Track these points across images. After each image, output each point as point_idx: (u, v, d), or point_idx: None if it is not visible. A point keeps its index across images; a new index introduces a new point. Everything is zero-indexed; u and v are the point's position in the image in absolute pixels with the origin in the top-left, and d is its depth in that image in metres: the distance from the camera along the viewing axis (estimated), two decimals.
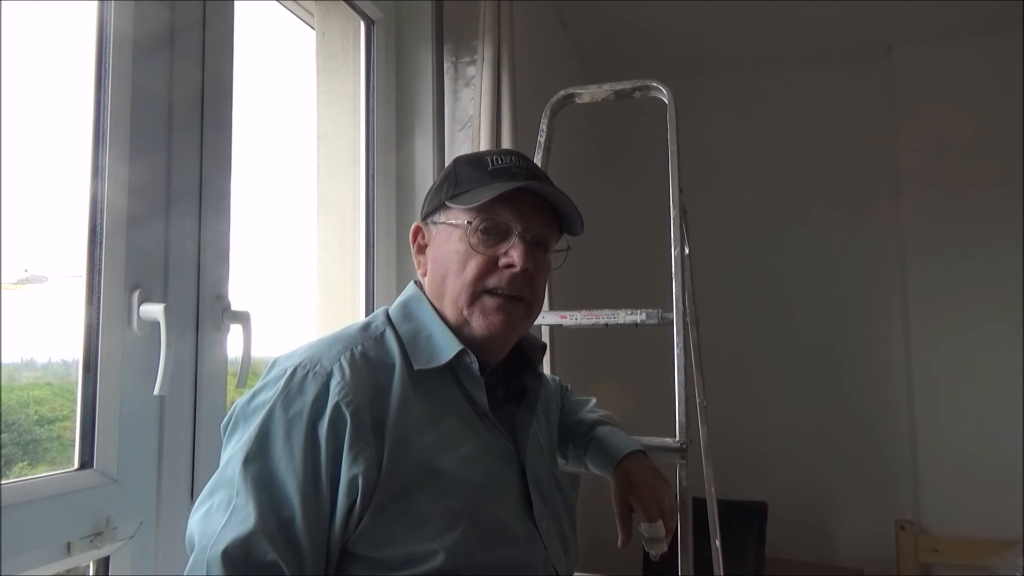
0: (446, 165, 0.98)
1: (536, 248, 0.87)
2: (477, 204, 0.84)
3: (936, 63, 2.94)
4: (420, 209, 0.96)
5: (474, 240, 0.85)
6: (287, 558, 0.71)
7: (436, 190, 0.92)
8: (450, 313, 0.87)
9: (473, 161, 0.91)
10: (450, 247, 0.87)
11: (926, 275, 2.87)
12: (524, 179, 0.86)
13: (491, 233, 0.85)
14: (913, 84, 2.96)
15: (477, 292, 0.85)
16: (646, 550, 1.00)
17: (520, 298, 0.86)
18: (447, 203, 0.88)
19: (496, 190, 0.83)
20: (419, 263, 0.94)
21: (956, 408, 2.78)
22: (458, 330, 0.87)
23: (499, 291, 0.85)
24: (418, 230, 0.94)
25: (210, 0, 1.10)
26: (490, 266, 0.85)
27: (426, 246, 0.93)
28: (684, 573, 1.24)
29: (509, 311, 0.86)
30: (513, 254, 0.84)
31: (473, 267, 0.85)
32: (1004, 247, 2.78)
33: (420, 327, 0.88)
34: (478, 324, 0.86)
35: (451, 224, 0.88)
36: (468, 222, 0.85)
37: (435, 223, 0.91)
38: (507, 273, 0.85)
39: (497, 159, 0.89)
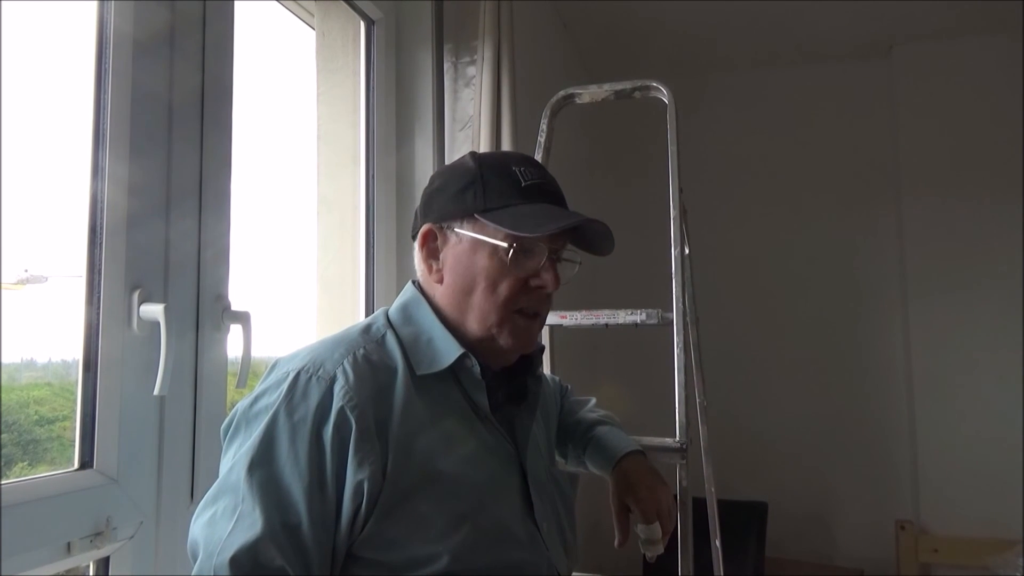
0: (460, 163, 0.91)
1: (556, 263, 0.88)
2: (534, 235, 0.82)
3: (936, 63, 2.94)
4: (423, 206, 0.91)
5: (510, 263, 0.84)
6: (294, 563, 0.71)
7: (458, 195, 0.86)
8: (475, 328, 0.86)
9: (499, 170, 0.87)
10: (478, 262, 0.85)
11: (926, 274, 2.87)
12: (554, 201, 0.87)
13: (523, 253, 0.84)
14: (913, 84, 2.96)
15: (509, 313, 0.86)
16: (642, 552, 0.99)
17: (539, 313, 0.89)
18: (479, 217, 0.84)
19: (544, 220, 0.83)
20: (430, 268, 0.89)
21: (956, 408, 2.78)
22: (478, 343, 0.86)
23: (528, 311, 0.87)
24: (432, 234, 0.88)
25: (210, 0, 1.10)
26: (521, 286, 0.85)
27: (438, 251, 0.88)
28: (684, 573, 1.24)
29: (533, 327, 0.89)
30: (546, 277, 0.85)
31: (506, 288, 0.84)
32: (1004, 247, 2.77)
33: (420, 331, 0.87)
34: (506, 341, 0.86)
35: (479, 239, 0.85)
36: (508, 245, 0.83)
37: (457, 232, 0.86)
38: (536, 294, 0.86)
39: (526, 172, 0.87)
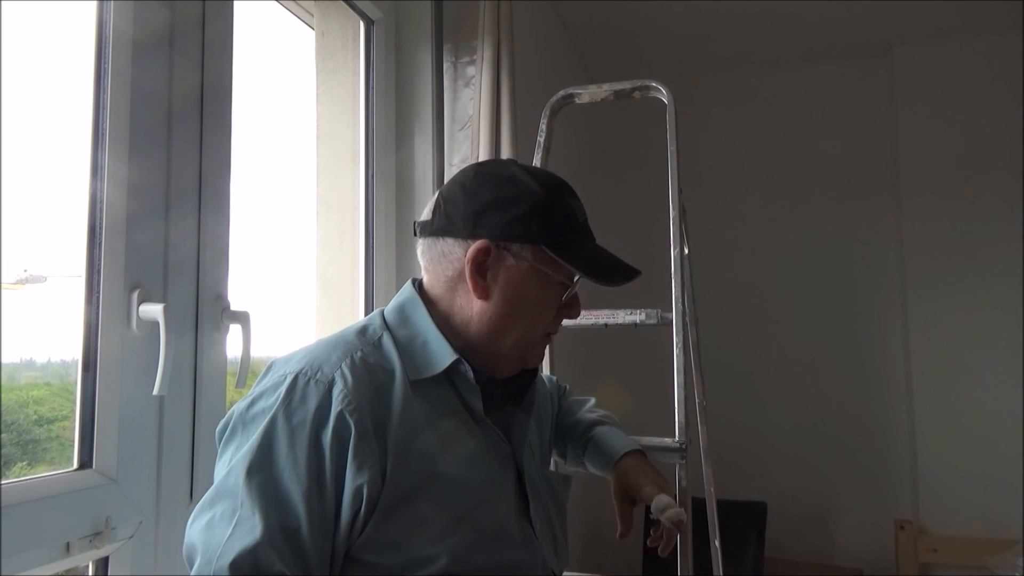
0: (517, 179, 0.86)
1: None
2: (600, 281, 0.86)
3: (936, 63, 2.94)
4: (474, 215, 0.85)
5: (563, 299, 0.89)
6: (293, 567, 0.70)
7: (524, 217, 0.84)
8: (510, 347, 0.88)
9: (560, 201, 0.87)
10: (531, 290, 0.86)
11: (925, 274, 2.87)
12: (591, 236, 0.91)
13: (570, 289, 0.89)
14: (913, 84, 2.96)
15: (543, 337, 0.91)
16: (665, 524, 0.97)
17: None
18: (546, 249, 0.84)
19: (612, 269, 0.88)
20: (475, 284, 0.84)
21: (956, 408, 2.78)
22: (501, 357, 0.88)
23: (552, 332, 0.92)
24: (488, 251, 0.84)
25: (210, 0, 1.10)
26: (558, 315, 0.91)
27: (487, 269, 0.85)
28: (684, 573, 1.24)
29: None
30: (577, 309, 0.91)
31: (550, 317, 0.89)
32: (1003, 247, 2.77)
33: (416, 333, 0.87)
34: (534, 360, 0.93)
35: (540, 269, 0.85)
36: (569, 284, 0.88)
37: (516, 255, 0.84)
38: (561, 319, 0.92)
39: (577, 207, 0.89)
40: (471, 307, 0.87)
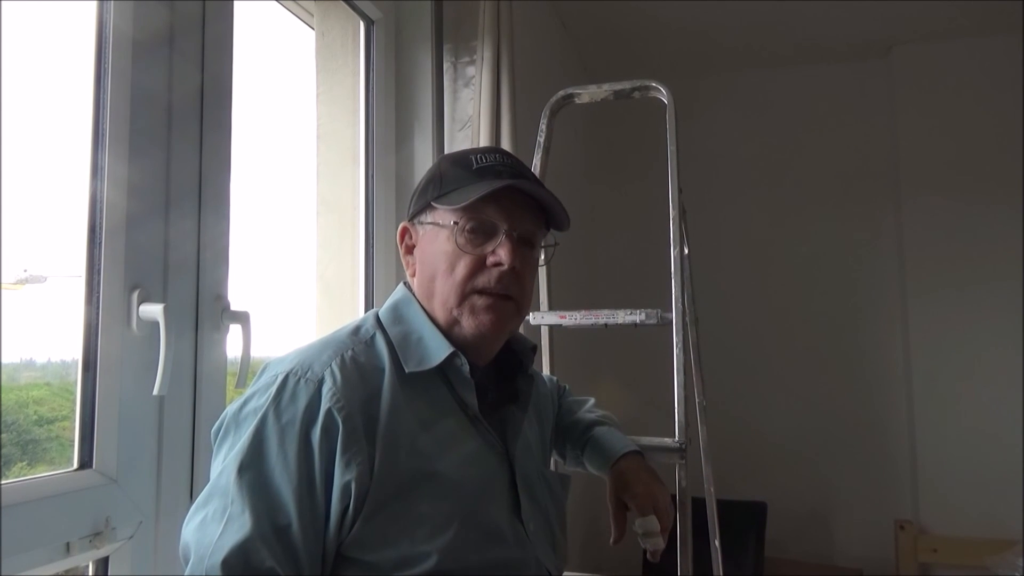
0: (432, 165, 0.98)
1: (523, 245, 0.87)
2: (463, 204, 0.83)
3: (936, 63, 2.94)
4: (407, 209, 0.96)
5: (461, 240, 0.85)
6: (284, 564, 0.71)
7: (422, 190, 0.91)
8: (440, 314, 0.87)
9: (457, 160, 0.91)
10: (437, 248, 0.87)
11: (926, 274, 2.87)
12: (509, 177, 0.86)
13: (478, 232, 0.85)
14: (913, 84, 2.96)
15: (467, 292, 0.85)
16: (644, 549, 0.99)
17: (509, 297, 0.86)
18: (433, 203, 0.88)
19: (481, 189, 0.83)
20: (407, 264, 0.93)
21: (956, 408, 2.78)
22: (448, 330, 0.87)
23: (488, 291, 0.85)
24: (405, 231, 0.94)
25: (210, 0, 1.10)
26: (478, 266, 0.85)
27: (414, 246, 0.92)
28: (683, 573, 1.24)
29: (499, 310, 0.86)
30: (500, 252, 0.84)
31: (462, 268, 0.85)
32: (1003, 246, 2.77)
33: (410, 329, 0.88)
34: (468, 324, 0.86)
35: (438, 224, 0.88)
36: (455, 222, 0.85)
37: (422, 223, 0.90)
38: (495, 272, 0.85)
39: (481, 157, 0.89)
40: (414, 287, 0.92)
